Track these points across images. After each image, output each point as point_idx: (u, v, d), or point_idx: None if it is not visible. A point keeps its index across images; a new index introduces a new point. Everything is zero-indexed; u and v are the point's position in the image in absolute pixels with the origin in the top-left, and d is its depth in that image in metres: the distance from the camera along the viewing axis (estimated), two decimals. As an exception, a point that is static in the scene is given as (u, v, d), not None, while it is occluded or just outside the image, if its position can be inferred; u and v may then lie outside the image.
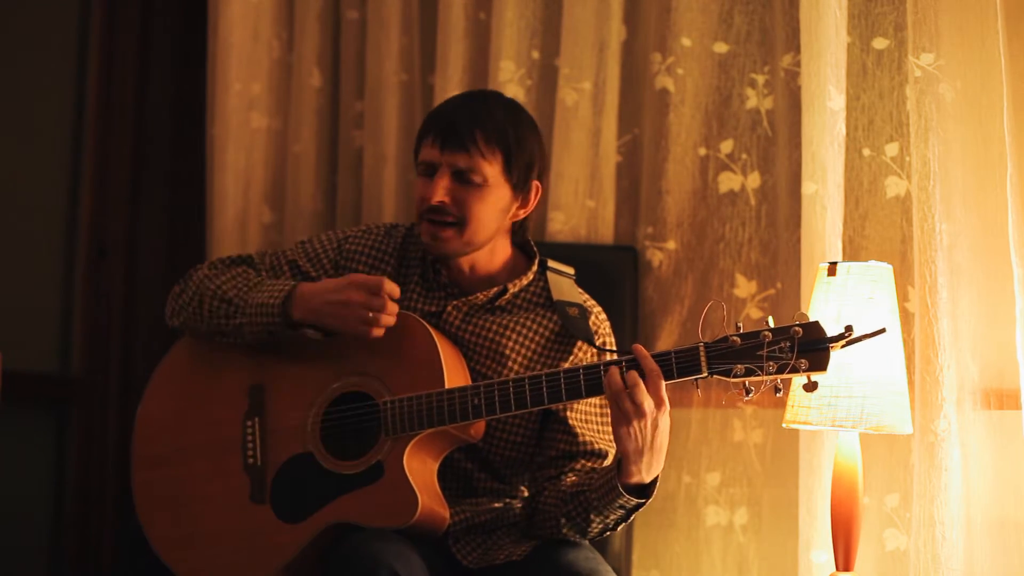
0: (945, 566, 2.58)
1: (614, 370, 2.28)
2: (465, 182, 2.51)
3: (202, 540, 2.54)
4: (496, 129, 2.52)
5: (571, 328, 2.53)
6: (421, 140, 2.56)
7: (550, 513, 2.46)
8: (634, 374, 2.27)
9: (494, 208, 2.54)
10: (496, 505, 2.58)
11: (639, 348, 2.30)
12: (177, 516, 2.57)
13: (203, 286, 2.59)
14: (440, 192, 2.50)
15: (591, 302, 2.63)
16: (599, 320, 2.61)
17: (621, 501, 2.34)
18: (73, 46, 3.72)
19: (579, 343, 2.56)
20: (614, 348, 2.59)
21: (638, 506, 2.36)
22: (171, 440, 2.61)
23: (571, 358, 2.56)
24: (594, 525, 2.41)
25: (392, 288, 2.46)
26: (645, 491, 2.35)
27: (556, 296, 2.57)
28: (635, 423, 2.26)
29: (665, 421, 2.28)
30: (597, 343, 2.56)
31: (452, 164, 2.51)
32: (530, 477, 2.58)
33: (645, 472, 2.31)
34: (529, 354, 2.55)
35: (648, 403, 2.25)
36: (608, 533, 2.44)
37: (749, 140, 3.05)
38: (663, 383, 2.26)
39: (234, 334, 2.55)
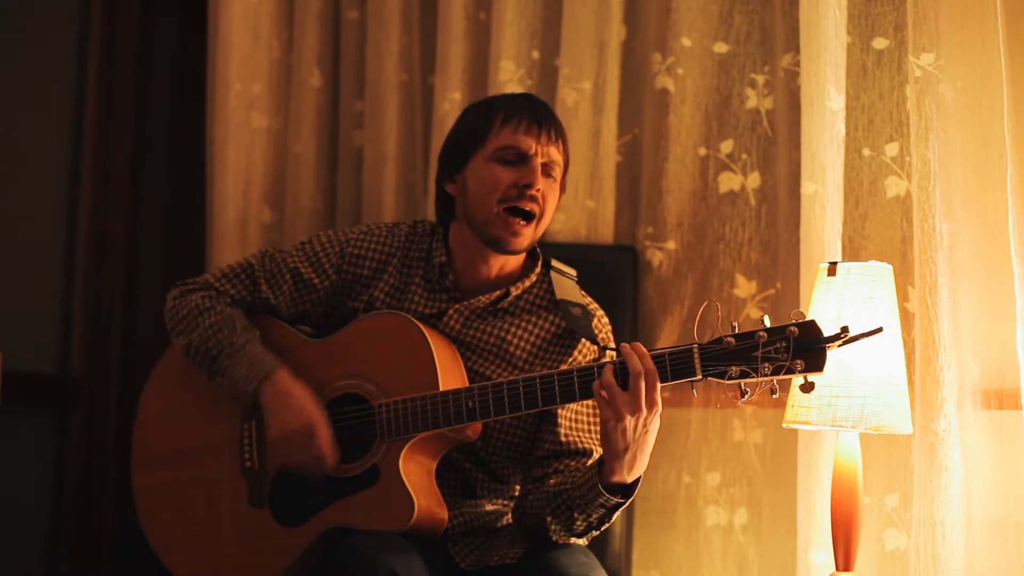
0: (945, 566, 2.57)
1: (609, 367, 2.27)
2: (547, 175, 2.49)
3: (203, 544, 2.53)
4: (564, 130, 2.54)
5: (574, 326, 2.51)
6: (502, 124, 2.49)
7: (537, 514, 2.44)
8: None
9: (556, 205, 2.54)
10: (493, 507, 2.58)
11: (638, 346, 2.27)
12: (177, 520, 2.56)
13: (191, 331, 2.55)
14: (541, 180, 2.47)
15: (594, 305, 2.62)
16: (601, 324, 2.59)
17: (602, 500, 2.32)
18: (73, 46, 3.72)
19: (579, 345, 2.55)
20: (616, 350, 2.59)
21: (618, 506, 2.34)
22: (169, 443, 2.61)
23: (570, 359, 2.55)
24: (578, 523, 2.38)
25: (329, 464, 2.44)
26: (627, 491, 2.34)
27: (559, 295, 2.55)
28: (627, 420, 2.23)
29: (655, 424, 2.26)
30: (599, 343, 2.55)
31: (547, 155, 2.48)
32: (521, 478, 2.57)
33: (627, 472, 2.29)
34: (529, 357, 2.54)
35: (644, 402, 2.23)
36: (594, 532, 2.42)
37: (749, 140, 3.05)
38: (659, 384, 2.24)
39: (217, 384, 2.54)
